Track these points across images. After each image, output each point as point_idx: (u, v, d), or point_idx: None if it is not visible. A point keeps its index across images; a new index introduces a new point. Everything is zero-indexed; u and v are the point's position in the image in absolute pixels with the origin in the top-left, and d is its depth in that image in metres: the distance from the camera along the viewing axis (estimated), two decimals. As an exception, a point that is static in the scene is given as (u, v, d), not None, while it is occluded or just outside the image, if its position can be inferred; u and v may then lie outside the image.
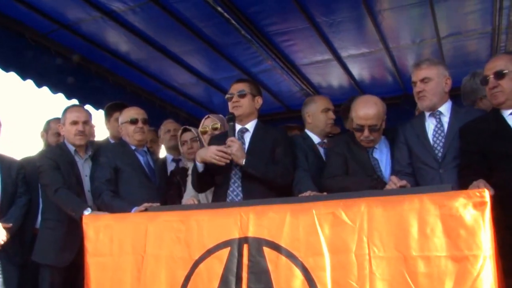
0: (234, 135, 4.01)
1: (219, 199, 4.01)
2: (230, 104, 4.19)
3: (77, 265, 4.06)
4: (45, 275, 4.38)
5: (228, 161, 3.90)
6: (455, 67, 5.70)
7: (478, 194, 2.38)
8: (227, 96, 4.24)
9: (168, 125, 5.79)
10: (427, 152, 3.72)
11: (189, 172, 4.64)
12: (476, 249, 2.32)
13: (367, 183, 3.73)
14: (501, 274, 2.54)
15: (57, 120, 4.97)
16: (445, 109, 3.79)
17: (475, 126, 3.50)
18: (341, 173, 3.97)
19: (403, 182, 3.28)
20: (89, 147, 4.67)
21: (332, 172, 4.00)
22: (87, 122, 4.57)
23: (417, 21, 5.24)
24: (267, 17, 5.12)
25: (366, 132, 3.86)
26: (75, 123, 4.50)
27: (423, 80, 3.77)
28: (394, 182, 3.29)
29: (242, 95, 4.16)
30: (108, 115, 5.38)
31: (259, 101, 4.26)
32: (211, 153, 3.90)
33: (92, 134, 4.73)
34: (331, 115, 4.51)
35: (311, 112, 4.52)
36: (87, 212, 3.98)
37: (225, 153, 3.88)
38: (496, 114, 3.48)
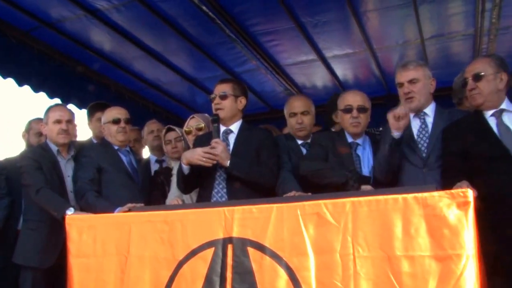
0: (218, 136, 3.98)
1: (204, 200, 3.99)
2: (213, 106, 4.17)
3: (60, 267, 4.01)
4: (26, 277, 4.28)
5: (214, 162, 3.88)
6: (438, 68, 5.78)
7: (461, 194, 2.40)
8: (210, 96, 4.22)
9: (151, 126, 5.77)
10: (412, 151, 3.74)
11: (174, 172, 4.63)
12: (459, 248, 2.34)
13: (342, 172, 3.77)
14: (484, 273, 2.57)
15: (38, 120, 4.93)
16: (430, 110, 3.83)
17: (457, 127, 3.54)
18: (319, 159, 3.99)
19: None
20: (71, 147, 4.61)
21: (310, 157, 4.06)
22: (70, 121, 4.52)
23: (401, 22, 5.27)
24: (252, 17, 5.11)
25: (355, 112, 3.93)
26: (58, 121, 4.45)
27: (411, 81, 3.79)
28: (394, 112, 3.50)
29: (223, 97, 4.11)
30: (90, 115, 5.35)
31: (242, 101, 4.21)
32: (197, 155, 3.88)
33: (74, 134, 4.68)
34: (298, 119, 4.44)
35: (285, 114, 4.55)
36: (69, 212, 3.93)
37: (211, 154, 3.86)
38: (478, 115, 3.52)
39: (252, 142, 4.11)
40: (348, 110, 3.98)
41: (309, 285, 2.64)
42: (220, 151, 3.85)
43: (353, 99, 4.02)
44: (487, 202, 2.79)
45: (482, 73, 3.47)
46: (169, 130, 5.08)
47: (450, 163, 3.44)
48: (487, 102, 3.47)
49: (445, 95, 4.85)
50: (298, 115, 4.42)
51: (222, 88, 4.16)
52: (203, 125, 4.60)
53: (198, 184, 4.16)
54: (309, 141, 4.46)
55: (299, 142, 4.44)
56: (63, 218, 3.86)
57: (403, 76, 3.83)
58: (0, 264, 4.48)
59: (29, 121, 5.38)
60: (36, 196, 4.19)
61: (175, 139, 4.98)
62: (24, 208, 4.59)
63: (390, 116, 3.54)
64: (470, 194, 2.39)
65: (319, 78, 6.77)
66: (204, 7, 4.68)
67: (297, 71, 6.55)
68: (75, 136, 4.76)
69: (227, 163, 3.87)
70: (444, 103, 4.38)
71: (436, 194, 2.48)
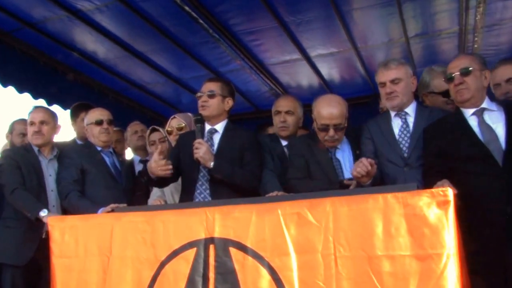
0: (202, 137, 3.98)
1: (186, 201, 3.98)
2: (199, 103, 4.14)
3: (37, 265, 4.11)
4: (6, 276, 4.29)
5: (168, 171, 3.87)
6: (424, 66, 5.77)
7: (441, 193, 2.39)
8: (197, 94, 4.19)
9: (135, 127, 5.76)
10: (393, 150, 3.75)
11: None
12: (440, 247, 2.33)
13: (334, 187, 3.68)
14: (466, 272, 2.58)
15: (21, 121, 5.01)
16: (411, 109, 3.82)
17: (438, 127, 3.54)
18: (305, 175, 3.92)
19: (371, 161, 3.28)
20: (54, 148, 4.61)
21: (295, 174, 3.95)
22: (44, 122, 4.52)
23: (385, 21, 5.27)
24: (235, 16, 5.10)
25: (331, 132, 3.80)
26: (31, 123, 4.52)
27: (393, 81, 3.78)
28: (363, 163, 3.27)
29: (211, 95, 4.10)
30: (74, 116, 5.33)
31: (229, 102, 4.20)
32: (154, 169, 3.86)
33: (51, 134, 4.65)
34: (281, 117, 4.45)
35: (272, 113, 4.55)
36: (43, 214, 4.00)
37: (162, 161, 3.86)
38: (458, 115, 3.52)
39: (237, 142, 4.10)
40: (323, 129, 3.84)
41: (292, 285, 2.63)
42: (203, 152, 3.84)
43: (329, 115, 3.80)
44: (466, 202, 2.79)
45: (470, 68, 3.45)
46: (153, 130, 5.07)
47: (431, 163, 3.44)
48: (473, 98, 3.45)
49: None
50: (282, 114, 4.43)
51: (211, 87, 4.14)
52: (183, 124, 4.59)
53: (174, 180, 4.17)
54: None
55: (284, 143, 4.43)
56: (37, 219, 3.98)
57: (385, 76, 3.82)
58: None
59: (12, 122, 5.39)
60: (10, 196, 4.24)
61: (159, 139, 4.97)
62: (1, 206, 4.58)
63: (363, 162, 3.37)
64: (450, 193, 2.39)
65: (304, 77, 6.77)
66: (186, 7, 4.66)
67: (281, 71, 6.55)
68: (52, 137, 4.72)
69: (211, 164, 3.86)
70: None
71: (416, 193, 2.48)
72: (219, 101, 4.14)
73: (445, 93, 4.01)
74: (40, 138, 4.49)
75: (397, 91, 3.77)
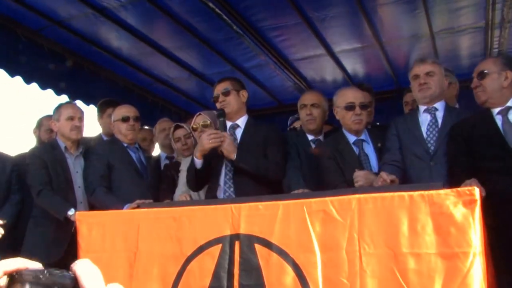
0: (224, 130, 4.02)
1: (212, 194, 4.02)
2: (217, 105, 4.21)
3: (65, 263, 4.09)
4: None
5: (221, 140, 3.90)
6: (448, 61, 5.73)
7: (468, 192, 2.38)
8: (213, 98, 4.27)
9: (163, 124, 5.80)
10: (419, 144, 3.77)
11: (181, 167, 4.65)
12: (466, 246, 2.32)
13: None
14: (492, 272, 2.57)
15: (49, 117, 4.98)
16: (440, 106, 3.86)
17: (465, 125, 3.57)
18: (343, 181, 3.90)
19: (392, 177, 3.30)
20: (80, 144, 4.67)
21: (334, 182, 3.93)
22: (81, 118, 4.59)
23: (410, 16, 5.22)
24: (259, 12, 5.10)
25: (357, 109, 3.91)
26: (71, 118, 4.54)
27: (428, 74, 3.83)
28: (384, 178, 3.30)
29: (226, 93, 4.18)
30: (101, 112, 5.38)
31: (244, 94, 4.28)
32: (205, 141, 3.91)
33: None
34: (307, 111, 4.47)
35: (298, 109, 4.57)
36: (70, 213, 4.04)
37: (216, 134, 3.91)
38: (486, 114, 3.54)
39: (259, 136, 4.14)
40: (350, 107, 3.96)
41: (316, 282, 2.64)
42: (227, 144, 3.88)
43: (354, 95, 4.02)
44: (490, 201, 2.78)
45: (486, 71, 3.55)
46: (177, 127, 5.09)
47: (457, 162, 3.45)
48: (490, 99, 3.54)
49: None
50: (308, 107, 4.45)
51: (223, 86, 4.24)
52: (209, 122, 4.62)
53: (208, 181, 4.18)
54: (319, 137, 4.47)
55: (310, 138, 4.44)
56: (65, 219, 4.03)
57: (420, 69, 3.88)
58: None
59: (40, 118, 5.45)
60: (38, 198, 4.29)
61: (184, 136, 4.99)
62: (32, 205, 4.63)
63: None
64: (476, 192, 2.37)
65: (328, 72, 6.75)
66: (210, 3, 4.67)
67: (305, 66, 6.53)
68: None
69: (234, 156, 3.90)
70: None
71: (442, 192, 2.46)
72: (235, 96, 4.22)
73: None
74: (80, 134, 4.58)
75: (430, 83, 3.82)
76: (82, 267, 0.74)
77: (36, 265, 0.79)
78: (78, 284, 0.74)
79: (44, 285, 0.76)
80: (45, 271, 0.77)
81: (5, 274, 0.76)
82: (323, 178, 4.03)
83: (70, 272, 0.76)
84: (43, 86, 5.65)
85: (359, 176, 3.61)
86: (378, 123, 5.27)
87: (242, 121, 4.25)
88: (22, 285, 0.76)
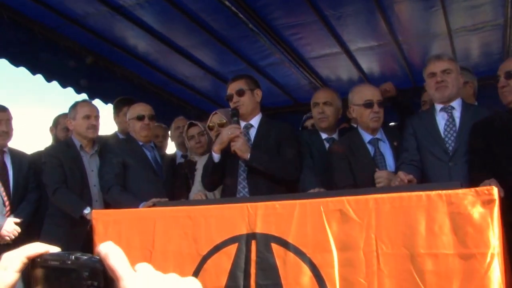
0: None
1: (227, 193, 4.02)
2: (231, 104, 4.19)
3: None
4: None
5: (240, 131, 3.93)
6: (466, 59, 5.69)
7: (486, 192, 2.34)
8: (226, 96, 4.25)
9: (178, 122, 5.83)
10: (437, 144, 3.72)
11: (197, 166, 4.66)
12: (484, 247, 2.29)
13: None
14: (509, 272, 2.54)
15: (66, 115, 4.99)
16: (457, 104, 3.80)
17: (487, 124, 3.51)
18: (350, 183, 3.90)
19: (410, 177, 3.27)
20: (95, 142, 4.69)
21: (340, 182, 3.94)
22: (98, 116, 4.61)
23: (427, 13, 5.17)
24: (275, 11, 5.08)
25: (376, 107, 3.87)
26: (87, 117, 4.57)
27: (445, 71, 3.78)
28: (401, 177, 3.27)
29: (241, 93, 4.15)
30: (117, 110, 5.41)
31: (258, 93, 4.26)
32: (225, 134, 3.93)
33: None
34: (319, 109, 4.46)
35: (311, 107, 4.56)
36: (86, 211, 4.06)
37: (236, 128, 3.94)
38: (509, 113, 3.49)
39: (272, 135, 4.13)
40: (368, 105, 3.94)
41: (333, 282, 2.62)
42: (240, 144, 3.88)
43: (371, 92, 4.00)
44: (509, 201, 2.75)
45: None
46: (191, 125, 5.09)
47: (478, 161, 3.41)
48: None
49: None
50: (320, 105, 4.44)
51: (237, 85, 4.20)
52: (225, 121, 4.62)
53: (222, 181, 4.17)
54: (333, 136, 4.45)
55: (323, 136, 4.42)
56: (81, 217, 4.06)
57: (436, 66, 3.82)
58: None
59: (56, 116, 5.49)
60: (53, 197, 4.32)
61: (198, 134, 4.99)
62: (46, 203, 4.67)
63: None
64: (495, 191, 2.33)
65: (344, 71, 6.72)
66: (226, 2, 4.67)
67: (321, 64, 6.50)
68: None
69: (247, 155, 3.89)
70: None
71: (460, 191, 2.44)
72: (249, 96, 4.19)
73: None
74: (96, 132, 4.62)
75: (447, 81, 3.76)
76: (108, 248, 0.74)
77: (57, 250, 0.80)
78: (106, 266, 0.74)
79: (70, 270, 0.75)
80: (71, 255, 0.77)
81: (28, 259, 0.76)
82: (332, 178, 4.02)
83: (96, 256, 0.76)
84: (64, 85, 5.69)
85: (381, 177, 3.59)
86: (391, 123, 5.25)
87: (255, 121, 4.24)
88: (46, 270, 0.75)
